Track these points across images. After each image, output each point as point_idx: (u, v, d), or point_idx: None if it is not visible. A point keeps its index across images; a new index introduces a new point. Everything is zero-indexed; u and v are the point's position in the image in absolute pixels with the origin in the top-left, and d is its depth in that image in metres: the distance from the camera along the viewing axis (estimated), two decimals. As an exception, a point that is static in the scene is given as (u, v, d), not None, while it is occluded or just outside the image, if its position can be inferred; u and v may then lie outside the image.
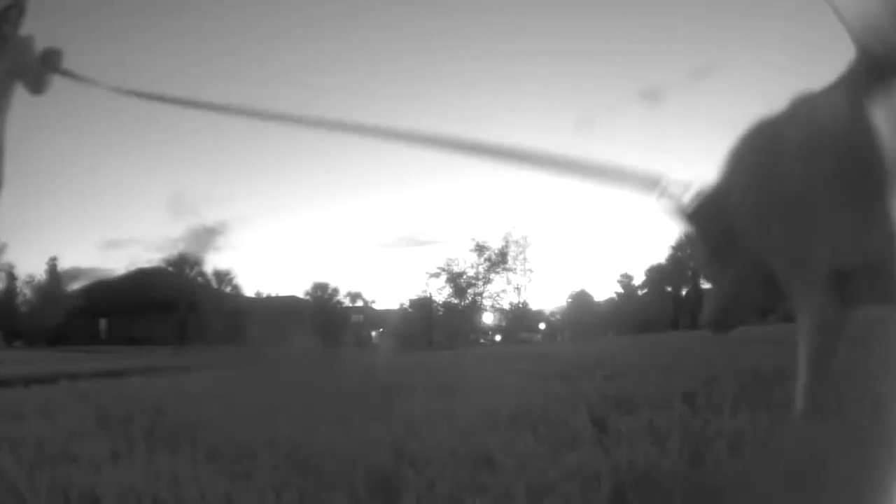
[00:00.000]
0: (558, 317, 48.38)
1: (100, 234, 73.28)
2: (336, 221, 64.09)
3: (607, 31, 55.00)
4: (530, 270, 41.39)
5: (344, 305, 47.44)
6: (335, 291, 47.13)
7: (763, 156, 1.60)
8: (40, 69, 2.04)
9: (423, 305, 41.88)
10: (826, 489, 1.20)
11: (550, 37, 56.61)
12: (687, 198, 1.66)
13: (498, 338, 41.10)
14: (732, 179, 1.65)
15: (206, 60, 55.70)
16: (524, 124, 58.40)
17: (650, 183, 1.66)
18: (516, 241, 40.72)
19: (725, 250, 1.69)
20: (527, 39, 57.23)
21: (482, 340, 40.07)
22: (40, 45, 2.06)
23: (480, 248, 40.71)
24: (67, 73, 2.07)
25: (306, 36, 57.66)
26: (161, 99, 2.25)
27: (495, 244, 40.73)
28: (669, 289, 46.39)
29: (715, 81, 51.59)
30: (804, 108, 1.55)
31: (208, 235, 63.13)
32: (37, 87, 2.06)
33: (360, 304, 48.05)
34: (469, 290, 41.33)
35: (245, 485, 1.48)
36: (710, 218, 1.68)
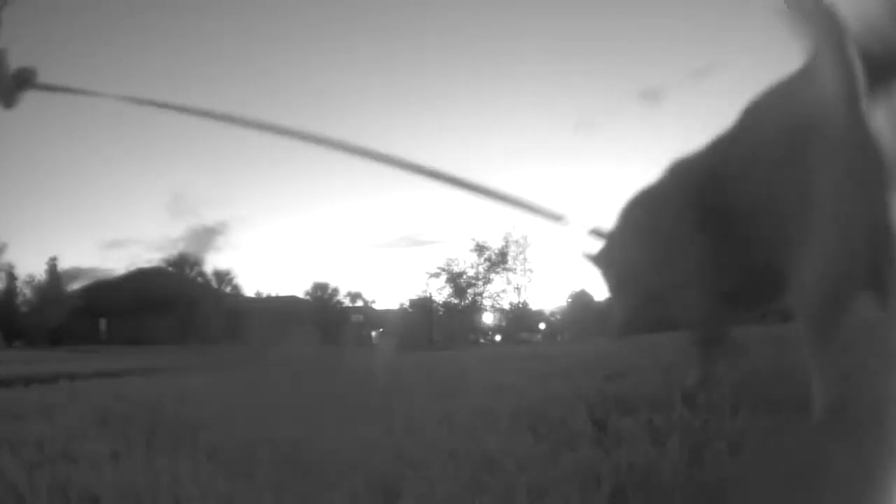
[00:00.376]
0: (558, 317, 48.28)
1: (100, 234, 73.09)
2: (336, 221, 64.06)
3: (607, 31, 54.98)
4: (530, 270, 41.45)
5: (344, 305, 47.43)
6: (335, 291, 47.17)
7: (646, 218, 2.06)
8: (12, 87, 2.03)
9: (423, 305, 41.87)
10: (826, 489, 1.20)
11: (550, 37, 56.59)
12: (591, 234, 2.19)
13: (498, 338, 41.06)
14: (624, 235, 2.14)
15: (203, 62, 55.74)
16: (524, 124, 58.49)
17: (556, 218, 2.19)
18: (516, 241, 40.76)
19: (627, 280, 2.18)
20: (527, 39, 57.23)
21: (482, 340, 40.05)
22: (18, 54, 2.05)
23: (480, 248, 40.75)
24: (43, 87, 2.06)
25: (304, 36, 57.64)
26: (143, 102, 2.24)
27: (495, 244, 40.80)
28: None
29: (715, 81, 51.41)
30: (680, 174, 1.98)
31: (208, 235, 63.36)
32: (8, 101, 2.05)
33: (360, 304, 48.06)
34: (469, 290, 41.36)
35: (245, 485, 1.48)
36: (611, 259, 2.21)
